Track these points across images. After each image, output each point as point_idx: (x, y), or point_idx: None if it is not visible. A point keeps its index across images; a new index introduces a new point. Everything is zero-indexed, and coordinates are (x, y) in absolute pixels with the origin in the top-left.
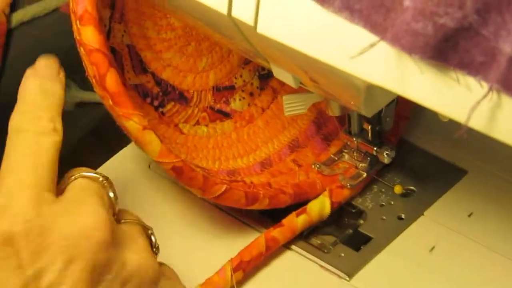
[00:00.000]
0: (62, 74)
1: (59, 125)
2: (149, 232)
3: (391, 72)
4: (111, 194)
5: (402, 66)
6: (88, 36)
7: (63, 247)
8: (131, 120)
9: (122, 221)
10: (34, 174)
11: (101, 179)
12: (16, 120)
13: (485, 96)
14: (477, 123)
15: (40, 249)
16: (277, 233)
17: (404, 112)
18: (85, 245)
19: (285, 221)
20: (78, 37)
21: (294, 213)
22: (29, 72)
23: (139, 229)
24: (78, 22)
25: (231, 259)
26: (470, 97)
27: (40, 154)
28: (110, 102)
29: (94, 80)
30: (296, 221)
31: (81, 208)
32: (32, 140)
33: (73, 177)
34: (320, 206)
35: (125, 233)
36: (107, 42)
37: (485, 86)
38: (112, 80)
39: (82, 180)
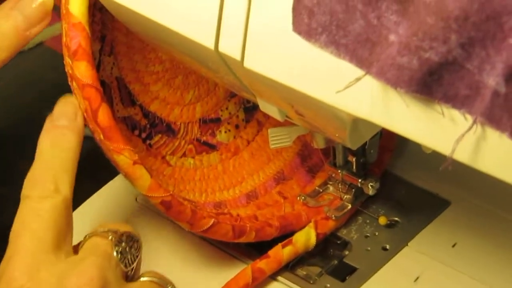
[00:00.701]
0: (79, 117)
1: (62, 184)
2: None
3: (377, 106)
4: (115, 253)
5: (388, 100)
6: (81, 71)
7: None
8: (122, 155)
9: (138, 278)
10: (33, 239)
11: (110, 237)
12: (24, 187)
13: (469, 128)
14: (462, 155)
15: None
16: (264, 264)
17: (388, 145)
18: None
19: (271, 252)
20: (70, 71)
21: (280, 244)
22: (46, 124)
23: (153, 287)
24: (71, 57)
25: None
26: (454, 130)
27: (39, 218)
28: (101, 136)
29: (85, 114)
30: (282, 252)
31: (77, 269)
32: (32, 206)
33: (87, 236)
34: (305, 237)
35: None
36: (98, 76)
37: (470, 119)
38: (104, 115)
39: (94, 238)
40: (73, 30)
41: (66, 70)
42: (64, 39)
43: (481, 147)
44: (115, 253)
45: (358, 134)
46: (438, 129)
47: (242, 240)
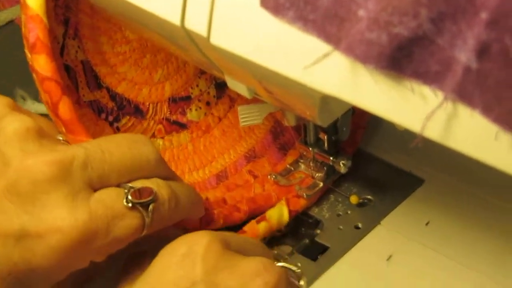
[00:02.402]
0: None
1: None
2: None
3: (346, 82)
4: (302, 282)
5: (357, 76)
6: (40, 64)
7: (233, 276)
8: None
9: None
10: None
11: (298, 270)
12: None
13: (440, 105)
14: (433, 132)
15: (213, 270)
16: None
17: (361, 122)
18: (254, 282)
19: (246, 228)
20: (30, 63)
21: (253, 220)
22: None
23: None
24: (30, 50)
25: None
26: (425, 107)
27: None
28: (63, 129)
29: (47, 106)
30: (258, 227)
31: (263, 259)
32: None
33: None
34: (278, 214)
35: None
36: (59, 63)
37: (440, 95)
38: (65, 108)
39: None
40: (30, 22)
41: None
42: (23, 30)
43: (452, 124)
44: (302, 282)
45: (328, 111)
46: (408, 106)
47: (209, 228)
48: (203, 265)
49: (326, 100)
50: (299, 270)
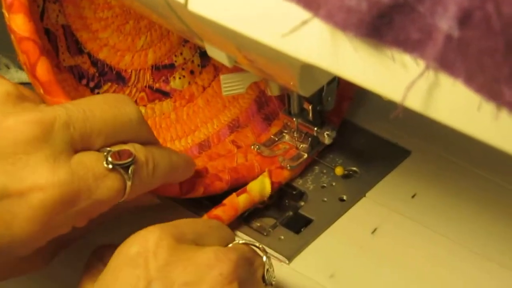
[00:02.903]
0: None
1: None
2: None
3: (325, 50)
4: (264, 258)
5: (336, 44)
6: (18, 24)
7: (188, 271)
8: None
9: None
10: None
11: (259, 245)
12: None
13: (421, 74)
14: (414, 102)
15: (166, 267)
16: (220, 211)
17: (347, 92)
18: (209, 274)
19: (226, 201)
20: (8, 23)
21: (234, 193)
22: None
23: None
24: (7, 9)
25: None
26: (406, 76)
27: None
28: (41, 91)
29: (25, 67)
30: (238, 200)
31: (218, 248)
32: None
33: (237, 242)
34: (260, 186)
35: None
36: (39, 27)
37: (422, 64)
38: (43, 69)
39: (242, 245)
40: None
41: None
42: None
43: (433, 94)
44: (264, 258)
45: (310, 80)
46: (388, 75)
47: (190, 196)
48: (156, 263)
49: (307, 69)
50: (260, 245)
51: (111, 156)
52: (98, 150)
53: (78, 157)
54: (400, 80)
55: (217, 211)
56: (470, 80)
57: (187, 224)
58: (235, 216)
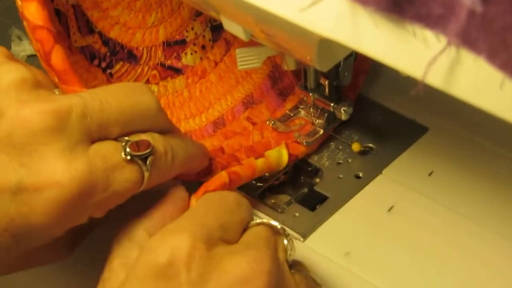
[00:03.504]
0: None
1: None
2: None
3: (344, 25)
4: (285, 241)
5: (356, 19)
6: (31, 12)
7: (222, 285)
8: None
9: (292, 271)
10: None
11: (279, 226)
12: None
13: (443, 50)
14: (435, 79)
15: (200, 280)
16: (238, 168)
17: (363, 66)
18: None
19: (244, 161)
20: (21, 10)
21: (252, 157)
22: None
23: (308, 283)
24: None
25: (194, 193)
26: (427, 52)
27: None
28: (56, 79)
29: (38, 55)
30: (256, 162)
31: (250, 253)
32: None
33: (255, 222)
34: (277, 155)
35: (292, 285)
36: (50, 8)
37: (443, 40)
38: (57, 57)
39: (261, 227)
40: None
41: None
42: None
43: (455, 71)
44: (286, 241)
45: (328, 55)
46: (409, 51)
47: (209, 178)
48: (188, 276)
49: (325, 44)
50: (280, 226)
51: (129, 147)
52: (116, 139)
53: (96, 147)
54: (421, 57)
55: (236, 167)
56: (493, 56)
57: (209, 214)
58: (252, 177)
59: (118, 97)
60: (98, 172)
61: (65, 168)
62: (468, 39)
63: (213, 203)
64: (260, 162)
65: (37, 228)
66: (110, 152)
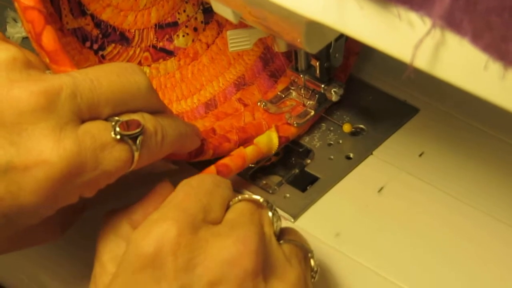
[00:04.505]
0: None
1: None
2: (309, 255)
3: (330, 8)
4: (270, 214)
5: (342, 1)
6: None
7: (210, 269)
8: None
9: (281, 241)
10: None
11: (261, 200)
12: None
13: (428, 33)
14: (420, 61)
15: (187, 266)
16: (228, 160)
17: (353, 48)
18: (232, 272)
19: (233, 152)
20: None
21: (241, 147)
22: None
23: (298, 252)
24: None
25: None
26: (412, 34)
27: None
28: (47, 60)
29: (30, 36)
30: (245, 151)
31: (235, 233)
32: None
33: (237, 199)
34: (267, 139)
35: (280, 258)
36: None
37: (428, 22)
38: (48, 38)
39: (244, 204)
40: None
41: None
42: None
43: (440, 53)
44: (270, 214)
45: (316, 37)
46: (395, 34)
47: (199, 159)
48: (176, 263)
49: (313, 26)
50: (262, 199)
51: (119, 126)
52: (106, 119)
53: (85, 126)
54: (406, 39)
55: (225, 160)
56: (477, 39)
57: (190, 200)
58: (243, 167)
59: (109, 77)
60: (87, 151)
61: (54, 147)
62: (452, 21)
63: (192, 188)
64: (250, 150)
65: (27, 207)
66: (100, 132)
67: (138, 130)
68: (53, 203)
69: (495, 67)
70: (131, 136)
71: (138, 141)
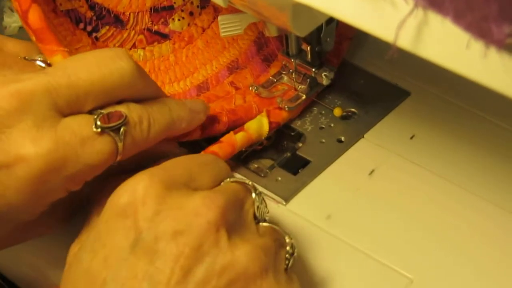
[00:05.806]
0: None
1: None
2: (286, 239)
3: None
4: (254, 195)
5: None
6: None
7: (175, 219)
8: (55, 57)
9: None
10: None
11: (250, 183)
12: None
13: (410, 13)
14: (404, 41)
15: (154, 217)
16: (217, 148)
17: (347, 33)
18: (195, 222)
19: (223, 138)
20: None
21: (231, 132)
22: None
23: (273, 233)
24: None
25: None
26: (395, 14)
27: None
28: (33, 38)
29: (18, 14)
30: (235, 137)
31: (206, 193)
32: None
33: (229, 180)
34: (258, 125)
35: (252, 229)
36: None
37: (411, 2)
38: (34, 16)
39: (234, 184)
40: None
41: None
42: None
43: (423, 33)
44: (254, 195)
45: (304, 20)
46: (378, 14)
47: (187, 139)
48: (144, 212)
49: (299, 9)
50: (250, 183)
51: (100, 120)
52: (90, 112)
53: (66, 122)
54: (389, 19)
55: (214, 147)
56: (459, 18)
57: (178, 165)
58: (232, 153)
59: (88, 69)
60: (66, 146)
61: (31, 145)
62: (435, 1)
63: (187, 158)
64: (239, 136)
65: (14, 205)
66: (81, 126)
67: (119, 121)
68: (40, 199)
69: (477, 46)
70: (112, 128)
71: (121, 132)
